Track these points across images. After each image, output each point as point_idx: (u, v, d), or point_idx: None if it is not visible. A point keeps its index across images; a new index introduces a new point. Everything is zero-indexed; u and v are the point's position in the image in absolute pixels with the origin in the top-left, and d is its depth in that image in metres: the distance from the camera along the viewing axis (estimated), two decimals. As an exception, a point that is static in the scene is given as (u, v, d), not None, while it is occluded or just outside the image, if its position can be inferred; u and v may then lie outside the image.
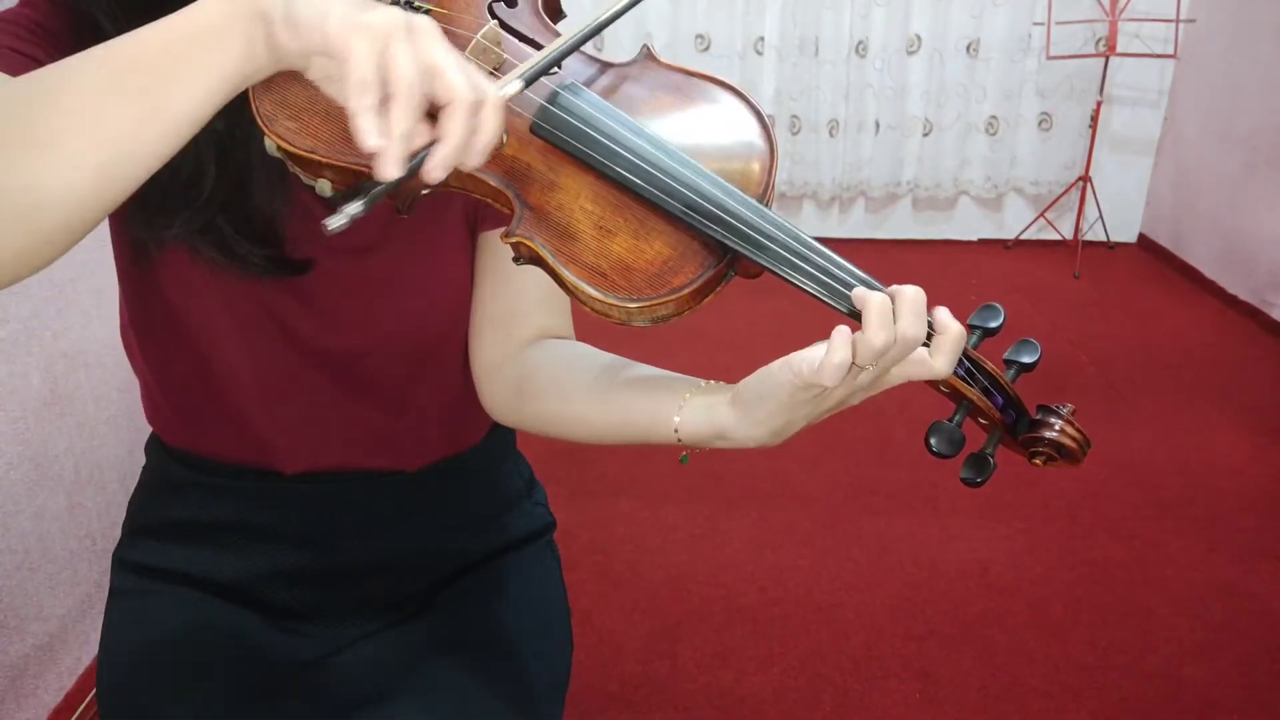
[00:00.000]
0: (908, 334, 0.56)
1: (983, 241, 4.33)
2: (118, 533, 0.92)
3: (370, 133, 0.48)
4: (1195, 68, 3.83)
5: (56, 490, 1.57)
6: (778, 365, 0.59)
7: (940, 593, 2.00)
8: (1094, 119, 3.89)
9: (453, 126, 0.50)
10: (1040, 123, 4.09)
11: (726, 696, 1.73)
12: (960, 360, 0.61)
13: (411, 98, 0.49)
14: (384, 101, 0.49)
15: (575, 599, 0.97)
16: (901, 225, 4.34)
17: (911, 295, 0.57)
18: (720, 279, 0.61)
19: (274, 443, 0.83)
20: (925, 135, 4.12)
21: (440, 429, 0.88)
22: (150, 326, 0.80)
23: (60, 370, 1.57)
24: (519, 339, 0.80)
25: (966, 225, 4.33)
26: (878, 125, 4.11)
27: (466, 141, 0.51)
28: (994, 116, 4.07)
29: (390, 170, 0.49)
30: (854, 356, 0.56)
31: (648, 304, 0.59)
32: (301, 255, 0.75)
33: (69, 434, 1.60)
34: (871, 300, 0.56)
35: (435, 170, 0.50)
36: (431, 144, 0.51)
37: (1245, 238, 3.47)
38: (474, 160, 0.52)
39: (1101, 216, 4.10)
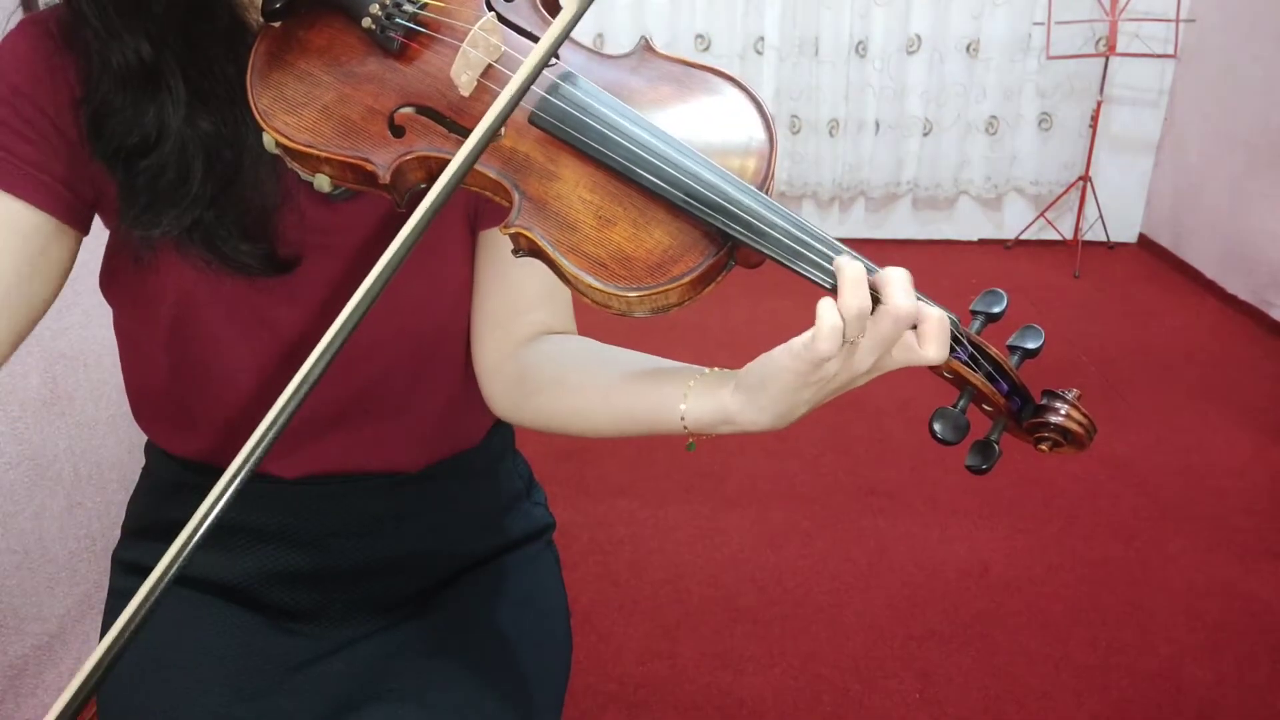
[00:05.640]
0: (899, 306, 0.56)
1: (983, 241, 4.33)
2: (118, 532, 0.92)
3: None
4: (1195, 68, 3.83)
5: (56, 490, 1.57)
6: (779, 350, 0.59)
7: (940, 593, 2.00)
8: (1094, 119, 3.89)
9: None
10: (1040, 123, 4.09)
11: (726, 696, 1.73)
12: (964, 345, 0.61)
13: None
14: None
15: (575, 599, 0.97)
16: (901, 225, 4.34)
17: (898, 270, 0.57)
18: (721, 267, 0.60)
19: (272, 448, 0.82)
20: (925, 135, 4.12)
21: (440, 430, 0.88)
22: (142, 333, 0.80)
23: (60, 370, 1.57)
24: (520, 337, 0.80)
25: (966, 225, 4.33)
26: (878, 125, 4.11)
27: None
28: (994, 116, 4.07)
29: None
30: (844, 326, 0.56)
31: (648, 293, 0.58)
32: (291, 254, 0.74)
33: (68, 434, 1.59)
34: (846, 267, 0.56)
35: None
36: None
37: (1245, 238, 3.47)
38: None
39: (1101, 216, 4.10)
